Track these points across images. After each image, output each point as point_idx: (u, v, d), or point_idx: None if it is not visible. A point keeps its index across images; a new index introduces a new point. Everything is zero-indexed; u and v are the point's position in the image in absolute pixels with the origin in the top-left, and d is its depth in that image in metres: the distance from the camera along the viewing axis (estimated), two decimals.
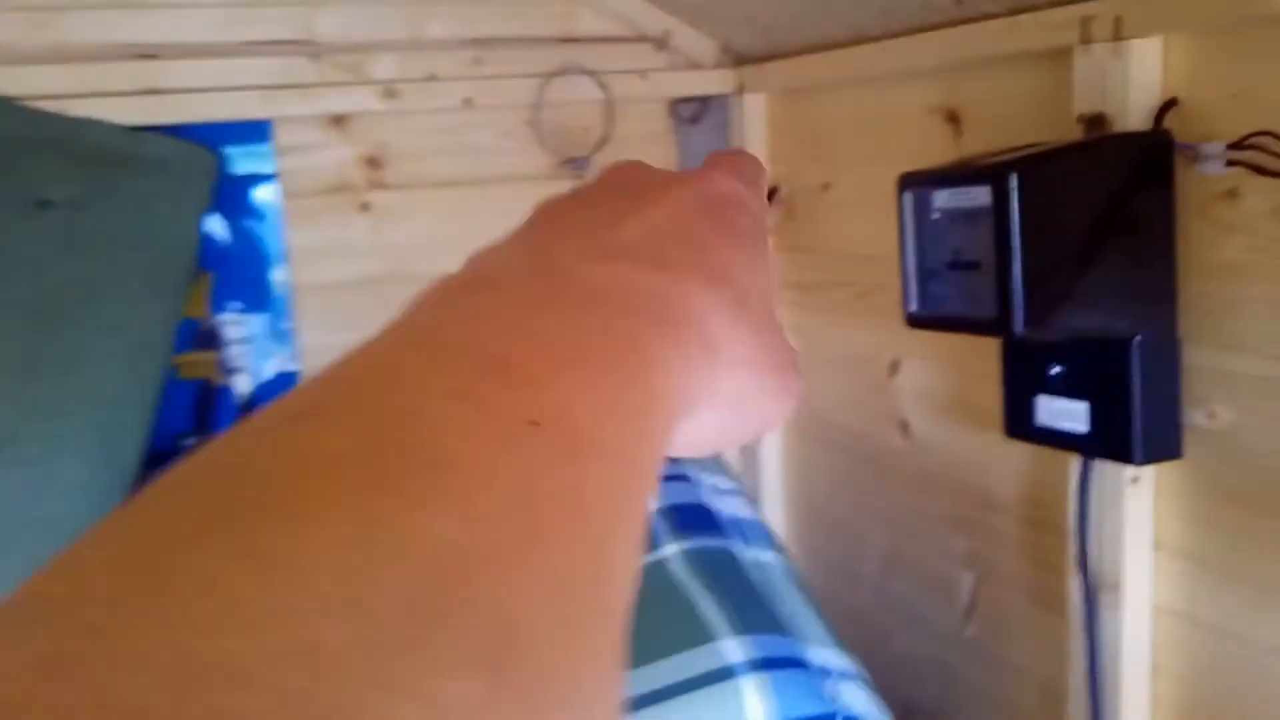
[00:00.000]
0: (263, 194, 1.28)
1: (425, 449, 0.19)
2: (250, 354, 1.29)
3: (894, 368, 1.23)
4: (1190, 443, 0.85)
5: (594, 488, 0.20)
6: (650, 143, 1.45)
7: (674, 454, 0.27)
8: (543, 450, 0.20)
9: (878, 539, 1.30)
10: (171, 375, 1.22)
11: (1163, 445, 0.84)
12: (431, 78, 1.30)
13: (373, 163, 1.32)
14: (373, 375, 0.21)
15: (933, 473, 1.18)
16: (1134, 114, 0.84)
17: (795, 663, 0.81)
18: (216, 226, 1.26)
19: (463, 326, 0.23)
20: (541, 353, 0.22)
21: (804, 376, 0.32)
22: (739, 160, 0.34)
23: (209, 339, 1.27)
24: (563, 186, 1.34)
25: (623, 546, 0.21)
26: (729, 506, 1.02)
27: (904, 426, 1.22)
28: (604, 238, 0.27)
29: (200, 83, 1.21)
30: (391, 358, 0.22)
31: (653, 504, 0.23)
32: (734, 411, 0.29)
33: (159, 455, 1.23)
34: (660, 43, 1.40)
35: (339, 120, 1.29)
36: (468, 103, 1.32)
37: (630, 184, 0.31)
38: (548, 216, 0.30)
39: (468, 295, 0.25)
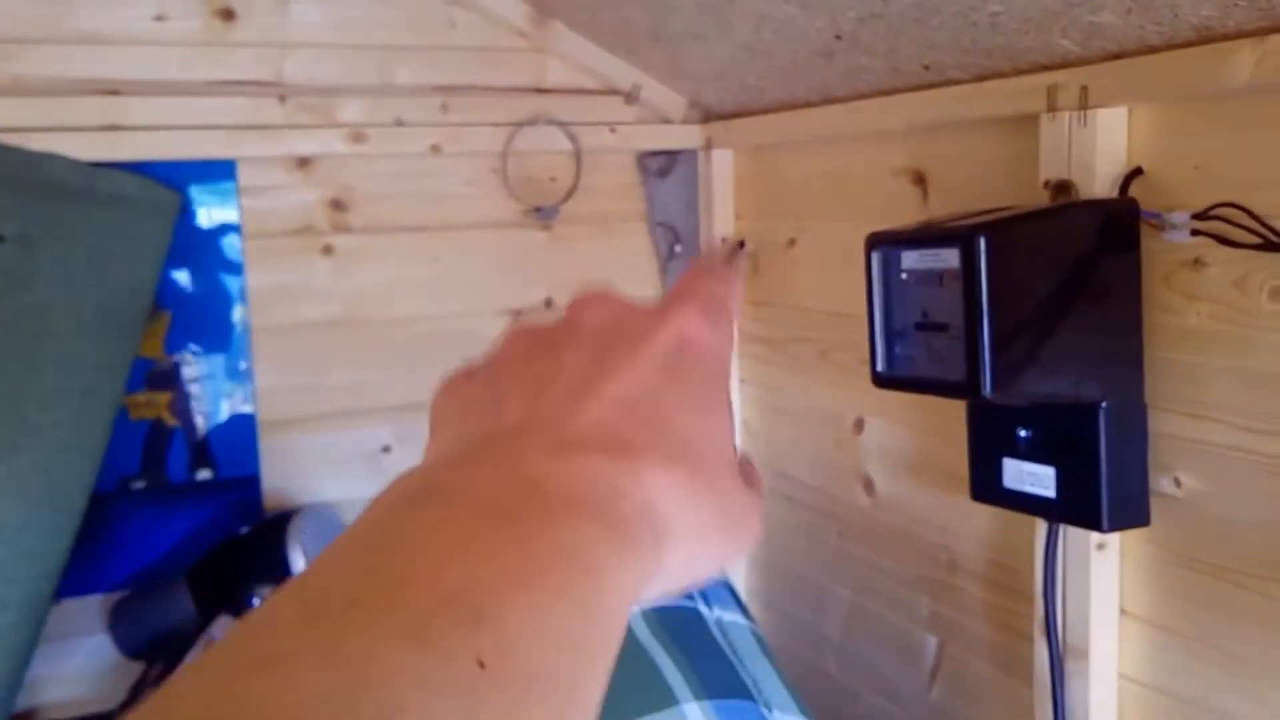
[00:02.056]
0: (226, 232, 1.26)
1: (383, 702, 0.20)
2: (206, 396, 1.26)
3: (859, 425, 1.22)
4: (1156, 510, 0.85)
5: None
6: (618, 195, 1.45)
7: None
8: (489, 695, 0.21)
9: (840, 598, 1.29)
10: (121, 415, 1.19)
11: (1130, 512, 0.84)
12: (399, 123, 1.29)
13: (337, 205, 1.30)
14: (333, 613, 0.22)
15: (896, 532, 1.18)
16: (1099, 182, 0.85)
17: None
18: (178, 266, 1.23)
19: (417, 552, 0.24)
20: (494, 582, 0.23)
21: (761, 510, 0.34)
22: (711, 288, 0.35)
23: (163, 379, 1.24)
24: (529, 235, 1.32)
25: None
26: None
27: (868, 484, 1.22)
28: (567, 420, 0.28)
29: (163, 120, 1.19)
30: (351, 589, 0.23)
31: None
32: (677, 577, 0.30)
33: (104, 497, 1.20)
34: (630, 96, 1.41)
35: (304, 162, 1.28)
36: (435, 149, 1.31)
37: (600, 333, 0.32)
38: (522, 356, 0.32)
39: (426, 505, 0.25)
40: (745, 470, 0.33)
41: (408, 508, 0.26)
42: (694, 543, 0.29)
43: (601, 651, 0.25)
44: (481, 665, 0.21)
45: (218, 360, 1.26)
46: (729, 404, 0.33)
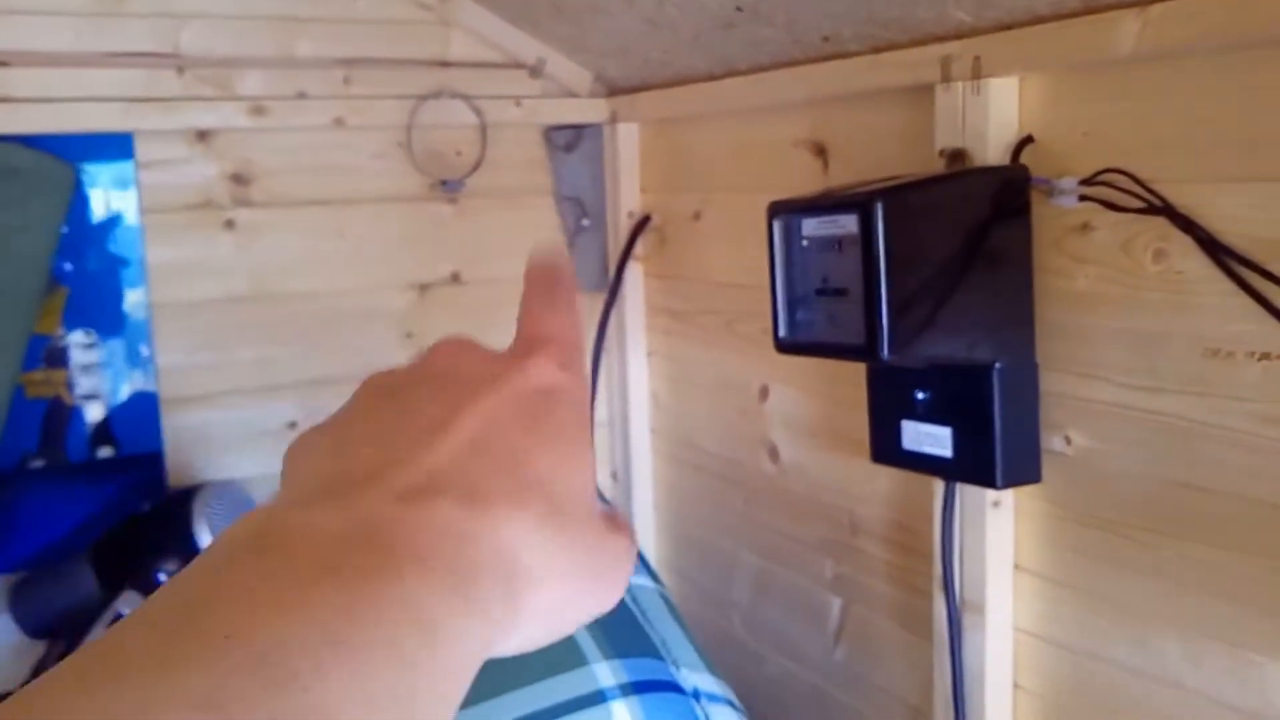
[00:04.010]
0: (123, 213, 1.22)
1: None
2: (105, 378, 1.23)
3: (763, 393, 1.24)
4: (1048, 467, 0.88)
5: None
6: (524, 168, 1.44)
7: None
8: None
9: (748, 564, 1.31)
10: (17, 394, 1.15)
11: (1023, 469, 0.87)
12: (301, 95, 1.27)
13: (238, 179, 1.28)
14: (118, 672, 0.21)
15: (801, 497, 1.20)
16: (993, 149, 0.88)
17: (667, 686, 0.80)
18: (72, 247, 1.20)
19: (238, 606, 0.23)
20: (316, 640, 0.22)
21: (630, 558, 0.33)
22: (560, 335, 0.34)
23: (60, 357, 1.21)
24: (435, 208, 1.30)
25: None
26: None
27: (773, 452, 1.24)
28: (417, 461, 0.28)
29: (56, 92, 1.15)
30: (151, 644, 0.22)
31: None
32: (546, 623, 0.29)
33: (2, 476, 1.16)
34: (535, 70, 1.40)
35: (203, 135, 1.25)
36: (338, 122, 1.29)
37: (453, 377, 0.32)
38: (373, 403, 0.31)
39: (262, 554, 0.25)
40: (611, 518, 0.33)
41: (243, 555, 0.25)
42: (560, 587, 0.29)
43: (436, 708, 0.24)
44: None
45: (116, 345, 1.23)
46: (590, 450, 0.32)
